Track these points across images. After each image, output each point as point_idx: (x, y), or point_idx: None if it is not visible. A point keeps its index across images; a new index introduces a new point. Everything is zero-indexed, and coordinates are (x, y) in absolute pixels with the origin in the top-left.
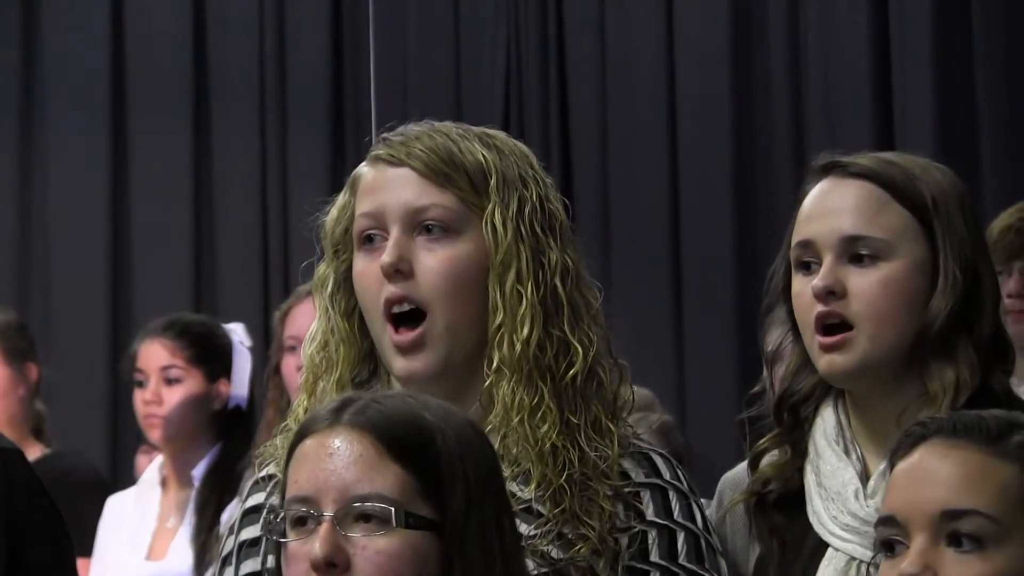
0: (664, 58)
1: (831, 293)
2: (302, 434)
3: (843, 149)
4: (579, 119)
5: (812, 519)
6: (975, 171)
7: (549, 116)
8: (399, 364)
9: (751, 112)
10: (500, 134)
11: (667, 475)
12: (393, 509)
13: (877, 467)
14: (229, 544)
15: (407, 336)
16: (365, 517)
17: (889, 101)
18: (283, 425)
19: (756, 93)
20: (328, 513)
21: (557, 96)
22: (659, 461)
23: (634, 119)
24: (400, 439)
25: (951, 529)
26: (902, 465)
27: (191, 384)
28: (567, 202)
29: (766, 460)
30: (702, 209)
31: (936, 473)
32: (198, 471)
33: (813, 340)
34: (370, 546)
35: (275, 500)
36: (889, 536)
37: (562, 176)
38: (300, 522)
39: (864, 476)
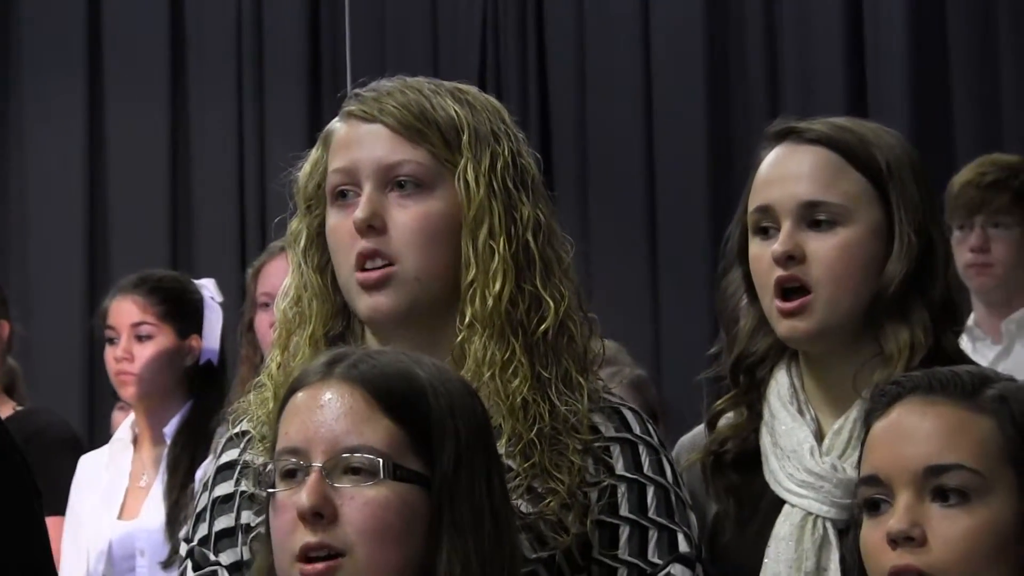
0: (640, 18)
1: (791, 258)
2: (294, 387)
3: (816, 111)
4: (556, 76)
5: (768, 478)
6: (948, 132)
7: (527, 73)
8: (364, 302)
9: (726, 73)
10: (472, 89)
11: (637, 429)
12: (381, 461)
13: (831, 426)
14: (203, 500)
15: (373, 274)
16: (354, 469)
17: (862, 61)
18: (256, 381)
19: (731, 54)
20: (317, 464)
21: (535, 53)
22: (629, 415)
23: (611, 77)
24: (391, 393)
25: (936, 484)
26: (880, 424)
27: (162, 340)
28: (540, 157)
29: (723, 421)
30: (677, 168)
31: (917, 430)
32: (170, 428)
33: (772, 304)
34: (358, 496)
35: (249, 457)
36: (873, 495)
37: (540, 133)
38: (290, 474)
39: (818, 435)
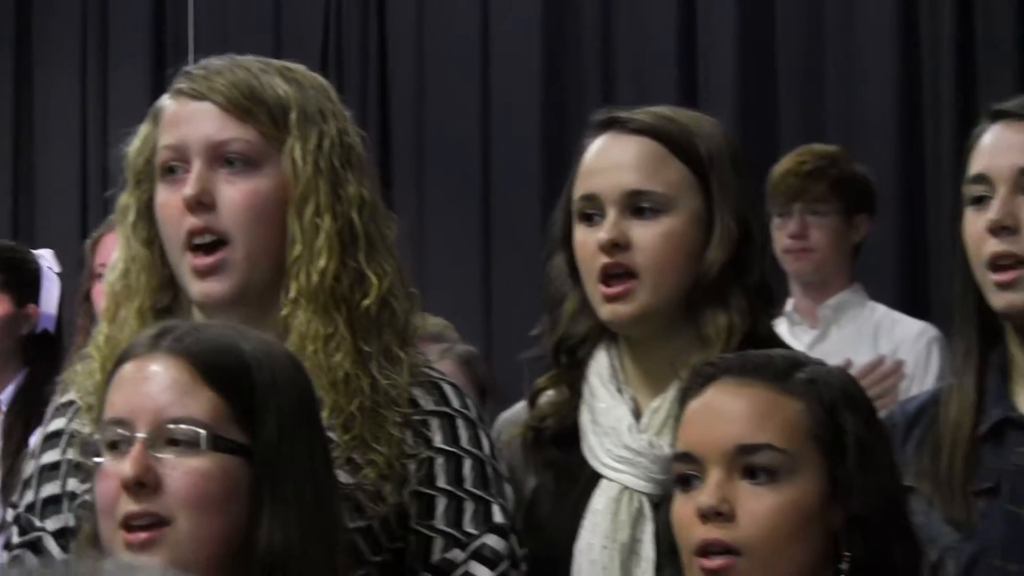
0: (480, 5)
1: (616, 245)
2: (121, 359)
3: (648, 101)
4: (397, 59)
5: (586, 453)
6: (773, 124)
7: (368, 54)
8: (196, 287)
9: (562, 61)
10: (300, 68)
11: (455, 403)
12: (204, 432)
13: (649, 405)
14: (30, 468)
15: (206, 260)
16: (177, 440)
17: (693, 54)
18: (83, 352)
19: (567, 44)
20: (141, 435)
21: (376, 37)
22: (448, 390)
23: (449, 62)
24: (216, 366)
25: (745, 463)
26: (695, 403)
27: None
28: (366, 136)
29: (544, 398)
30: (512, 154)
31: (729, 410)
32: (5, 395)
33: (596, 289)
34: (180, 467)
35: (75, 426)
36: (685, 471)
37: (379, 112)
38: (115, 444)
39: (636, 413)
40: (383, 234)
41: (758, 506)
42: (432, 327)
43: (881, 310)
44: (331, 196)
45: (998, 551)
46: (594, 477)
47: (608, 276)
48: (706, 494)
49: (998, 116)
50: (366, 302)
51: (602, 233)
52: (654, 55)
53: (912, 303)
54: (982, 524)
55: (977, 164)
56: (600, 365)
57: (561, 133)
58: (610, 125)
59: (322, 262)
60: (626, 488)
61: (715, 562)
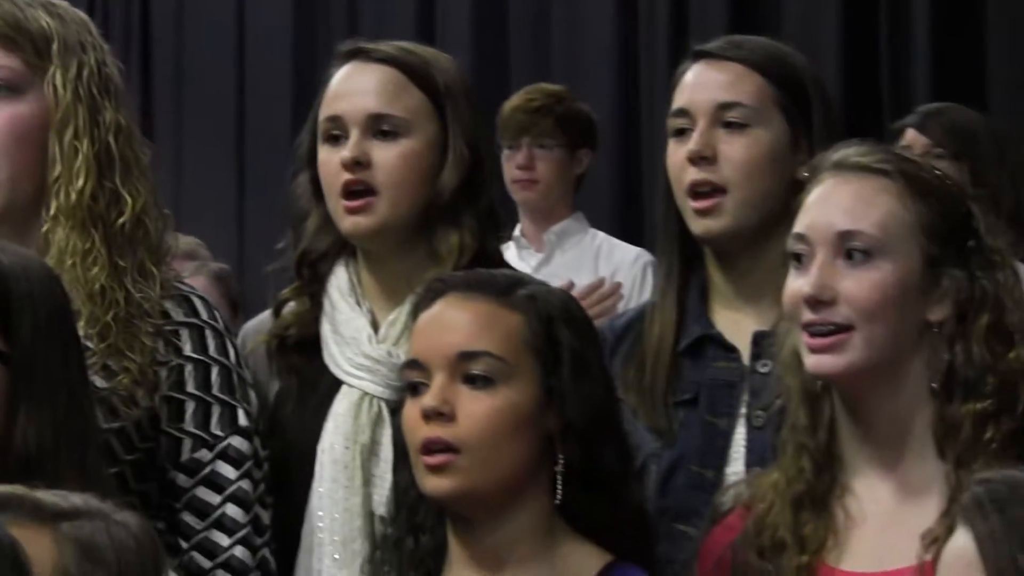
0: None
1: (357, 163)
2: None
3: (388, 38)
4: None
5: (328, 361)
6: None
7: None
8: None
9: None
10: (63, 3)
11: (204, 315)
12: None
13: (386, 317)
14: None
15: None
16: None
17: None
18: None
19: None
20: None
21: None
22: (198, 302)
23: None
24: None
25: (466, 369)
26: (424, 315)
27: None
28: (123, 67)
29: (287, 308)
30: (264, 81)
31: (453, 321)
32: None
33: (338, 203)
34: None
35: None
36: (413, 378)
37: (141, 46)
38: None
39: (374, 325)
40: (138, 158)
41: (476, 408)
42: (185, 245)
43: (601, 236)
44: (89, 121)
45: (696, 458)
46: (335, 383)
47: (349, 192)
48: (429, 396)
49: (699, 56)
50: (121, 220)
51: (345, 152)
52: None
53: (628, 230)
54: (681, 433)
55: (679, 99)
56: (340, 279)
57: (310, 63)
58: (355, 55)
59: (80, 182)
60: (366, 394)
61: (436, 458)
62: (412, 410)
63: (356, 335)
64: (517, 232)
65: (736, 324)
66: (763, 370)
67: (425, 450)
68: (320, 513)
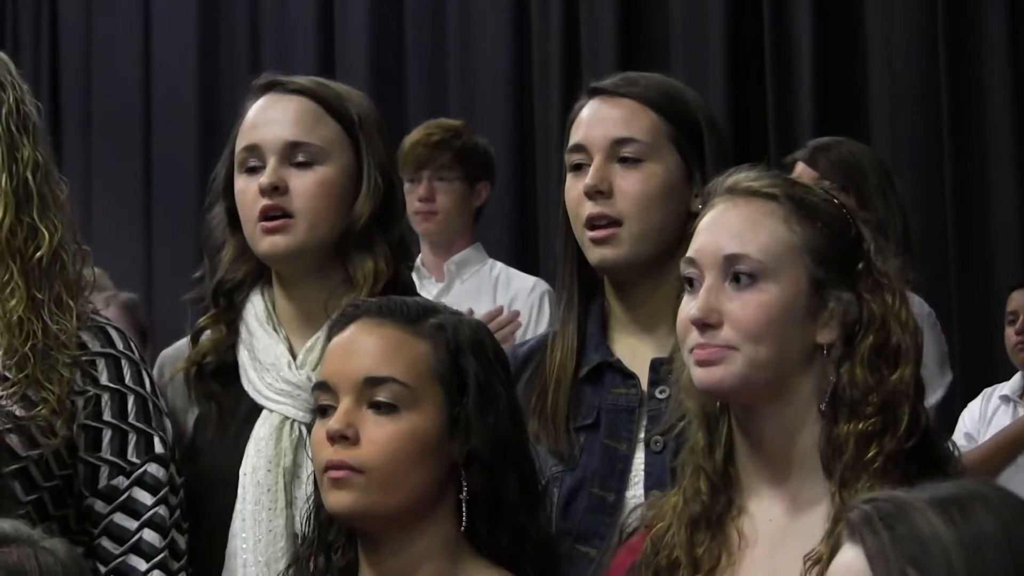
0: None
1: (275, 188)
2: None
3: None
4: (67, 38)
5: (247, 387)
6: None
7: (40, 34)
8: None
9: (216, 36)
10: None
11: (120, 346)
12: None
13: (303, 343)
14: None
15: None
16: None
17: (332, 43)
18: None
19: (221, 20)
20: None
21: (48, 19)
22: (114, 334)
23: (115, 39)
24: None
25: (371, 394)
26: (336, 339)
27: None
28: (41, 106)
29: (205, 336)
30: (171, 116)
31: (362, 346)
32: None
33: (255, 228)
34: None
35: None
36: (322, 401)
37: (50, 86)
38: None
39: (292, 351)
40: (55, 194)
41: (379, 433)
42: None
43: (499, 266)
44: (8, 158)
45: (596, 481)
46: (254, 408)
47: (267, 217)
48: (334, 420)
49: (595, 92)
50: (39, 254)
51: (263, 179)
52: (295, 34)
53: (525, 261)
54: (583, 457)
55: (576, 135)
56: (257, 307)
57: (214, 103)
58: (271, 87)
59: None
60: (287, 418)
61: (338, 473)
62: (319, 432)
63: (275, 361)
64: (418, 262)
65: (634, 351)
66: (661, 396)
67: (329, 470)
68: (243, 535)
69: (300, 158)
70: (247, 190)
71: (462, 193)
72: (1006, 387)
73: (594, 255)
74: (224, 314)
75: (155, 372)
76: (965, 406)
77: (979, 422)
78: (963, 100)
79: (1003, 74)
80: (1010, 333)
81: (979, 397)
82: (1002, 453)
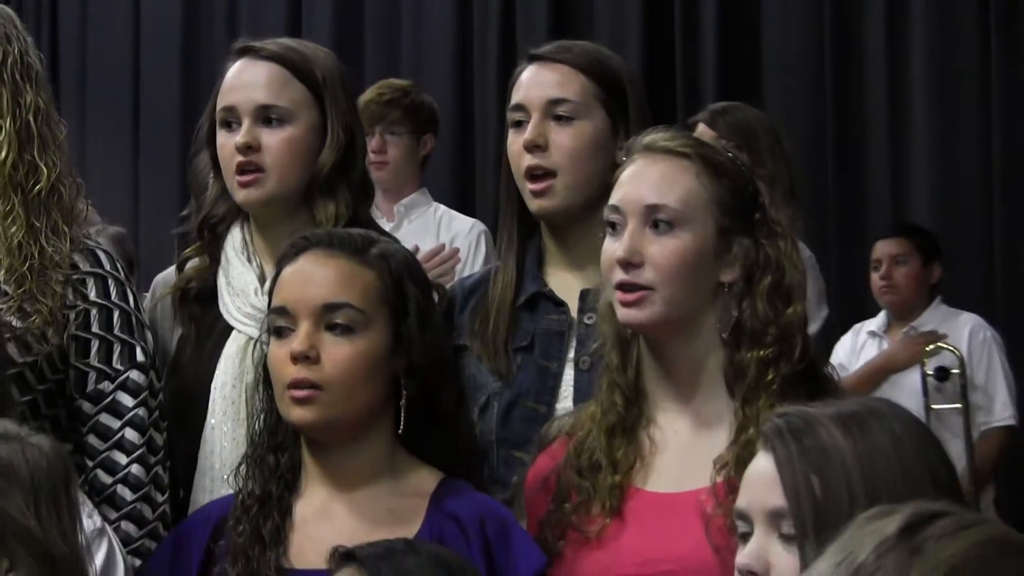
0: None
1: (248, 147)
2: None
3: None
4: (65, 7)
5: (222, 310)
6: (361, 56)
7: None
8: None
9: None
10: None
11: (107, 266)
12: None
13: (271, 273)
14: None
15: None
16: None
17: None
18: None
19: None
20: None
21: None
22: (102, 255)
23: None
24: None
25: (330, 319)
26: (289, 268)
27: None
28: (44, 57)
29: (190, 264)
30: (157, 73)
31: (318, 275)
32: None
33: (232, 179)
34: None
35: None
36: (279, 323)
37: (50, 37)
38: None
39: (262, 279)
40: (54, 134)
41: (338, 353)
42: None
43: (442, 209)
44: (12, 103)
45: (531, 395)
46: (227, 329)
47: (243, 171)
48: (298, 342)
49: (533, 58)
50: (38, 187)
51: (238, 138)
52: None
53: (464, 203)
54: (519, 374)
55: (516, 96)
56: (235, 239)
57: (195, 60)
58: (245, 52)
59: (2, 154)
60: (252, 338)
61: (303, 392)
62: (279, 351)
63: (245, 288)
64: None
65: (566, 283)
66: (588, 322)
67: (292, 387)
68: (212, 441)
69: (270, 118)
70: (226, 145)
71: (410, 145)
72: (873, 323)
73: (533, 204)
74: (208, 246)
75: (149, 292)
76: (839, 339)
77: (851, 354)
78: (844, 72)
79: (879, 52)
80: (875, 278)
81: (850, 332)
82: (870, 381)
